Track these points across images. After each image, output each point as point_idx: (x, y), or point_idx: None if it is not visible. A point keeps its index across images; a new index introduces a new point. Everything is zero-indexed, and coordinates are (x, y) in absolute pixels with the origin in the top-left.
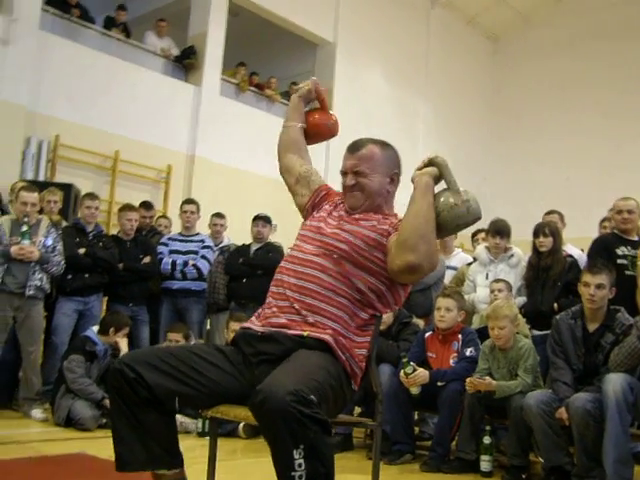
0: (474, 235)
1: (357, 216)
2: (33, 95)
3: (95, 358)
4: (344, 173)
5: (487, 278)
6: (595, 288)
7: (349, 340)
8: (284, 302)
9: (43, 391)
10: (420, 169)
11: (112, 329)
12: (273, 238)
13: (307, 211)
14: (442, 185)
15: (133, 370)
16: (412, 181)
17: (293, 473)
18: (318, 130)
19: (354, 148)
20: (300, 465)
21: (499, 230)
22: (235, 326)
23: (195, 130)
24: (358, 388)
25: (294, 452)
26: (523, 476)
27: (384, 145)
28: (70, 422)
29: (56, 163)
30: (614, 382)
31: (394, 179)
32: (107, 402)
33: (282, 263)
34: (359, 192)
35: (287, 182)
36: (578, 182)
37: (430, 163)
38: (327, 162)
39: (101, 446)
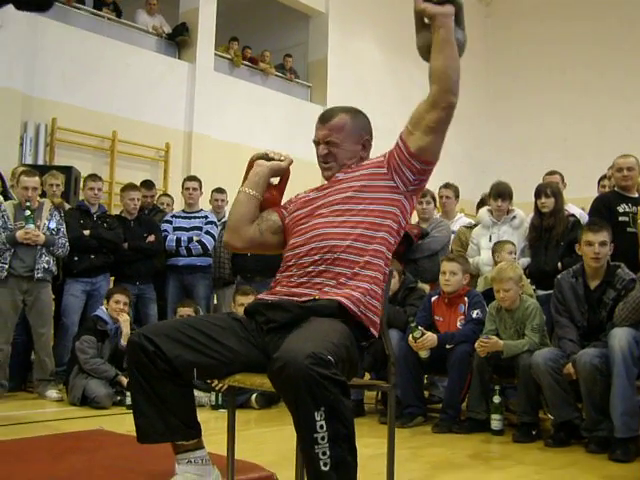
0: (481, 202)
1: (338, 178)
2: (28, 79)
3: (106, 337)
4: (317, 143)
5: (490, 240)
6: (599, 246)
7: (361, 287)
8: (291, 271)
9: (56, 372)
10: (435, 2)
11: (105, 300)
12: None
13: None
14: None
15: (152, 343)
16: (426, 15)
17: (316, 435)
18: (270, 207)
19: (325, 119)
20: (322, 427)
21: (501, 193)
22: (242, 300)
23: (191, 107)
24: (378, 334)
25: (316, 414)
26: (533, 432)
27: (355, 112)
28: (85, 401)
29: (54, 146)
30: (620, 336)
31: (365, 145)
32: (121, 379)
33: (289, 243)
34: (333, 162)
35: (255, 247)
36: (576, 143)
37: (448, 0)
38: None
39: (117, 422)
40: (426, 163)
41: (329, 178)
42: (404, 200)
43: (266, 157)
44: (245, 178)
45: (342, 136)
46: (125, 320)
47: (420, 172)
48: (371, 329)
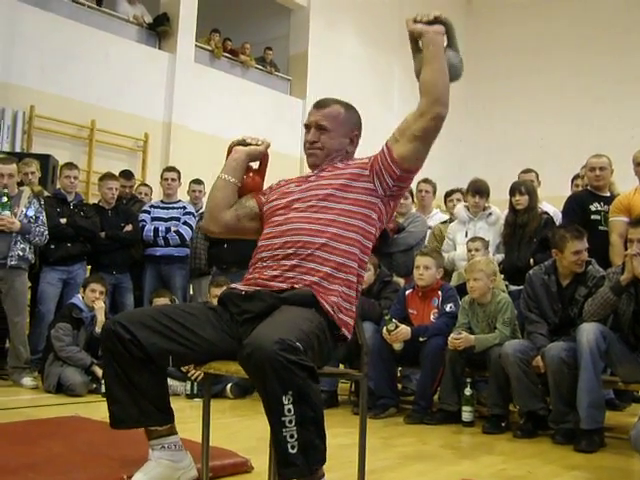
0: (448, 196)
1: (321, 172)
2: (5, 66)
3: (82, 325)
4: (307, 127)
5: (466, 236)
6: (585, 252)
7: (334, 289)
8: (266, 262)
9: (32, 360)
10: (417, 22)
11: (81, 288)
12: None
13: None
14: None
15: (127, 330)
16: (416, 35)
17: (283, 418)
18: (252, 191)
19: (320, 105)
20: (290, 410)
21: (478, 189)
22: (216, 291)
23: (171, 97)
24: (351, 336)
25: (283, 398)
26: (502, 424)
27: (348, 107)
28: (60, 389)
29: (32, 134)
30: (588, 331)
31: (354, 140)
32: (96, 369)
33: (263, 232)
34: (319, 150)
35: (231, 232)
36: (553, 143)
37: (436, 20)
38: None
39: (93, 410)
40: (406, 171)
41: (314, 165)
42: (381, 204)
43: (243, 143)
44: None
45: (334, 124)
46: (100, 308)
47: (400, 179)
48: (343, 329)
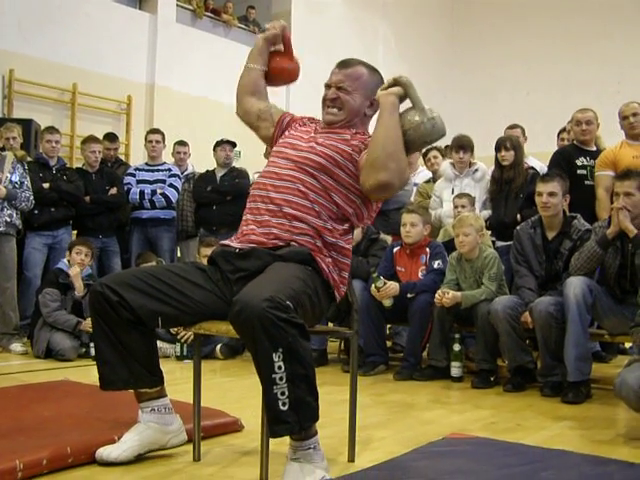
0: (425, 155)
1: (330, 129)
2: None
3: (69, 289)
4: (328, 86)
5: (453, 193)
6: (547, 196)
7: (330, 247)
8: (262, 217)
9: (20, 325)
10: (385, 89)
11: (67, 252)
12: (236, 165)
13: (275, 140)
14: (407, 104)
15: (115, 292)
16: (377, 100)
17: (274, 375)
18: (281, 74)
19: (344, 65)
20: (280, 367)
21: (462, 145)
22: (206, 251)
23: (153, 59)
24: (341, 297)
25: (273, 355)
26: (491, 379)
27: (373, 70)
28: (50, 354)
29: (13, 99)
30: (574, 285)
31: (374, 104)
32: (85, 324)
33: (258, 179)
34: (337, 108)
35: (247, 122)
36: (538, 98)
37: (395, 83)
38: (287, 98)
39: (83, 374)
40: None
41: (330, 123)
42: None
43: (263, 31)
44: None
45: (355, 86)
46: (76, 274)
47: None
48: (335, 292)
